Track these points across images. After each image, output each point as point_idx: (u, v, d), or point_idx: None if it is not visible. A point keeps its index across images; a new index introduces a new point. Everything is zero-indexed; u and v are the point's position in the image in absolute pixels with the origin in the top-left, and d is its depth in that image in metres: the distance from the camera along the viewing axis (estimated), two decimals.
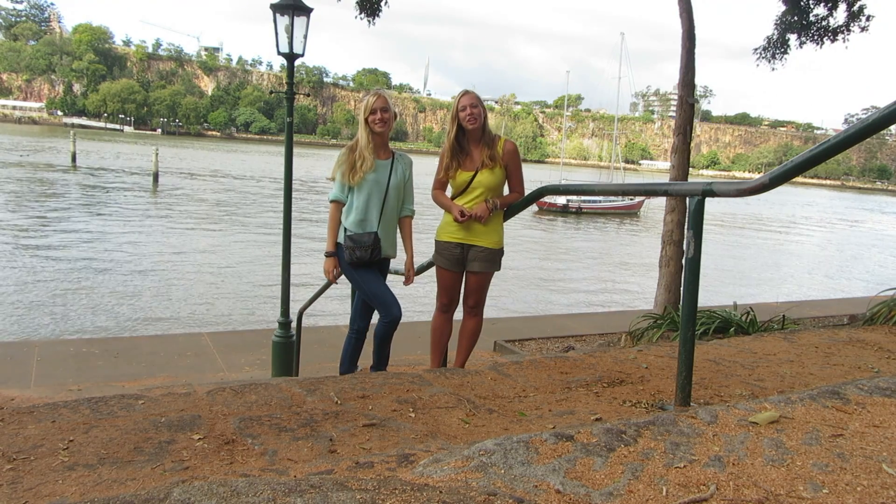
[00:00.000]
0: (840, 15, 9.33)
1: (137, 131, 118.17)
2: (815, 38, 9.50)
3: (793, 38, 9.69)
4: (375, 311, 4.04)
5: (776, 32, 9.73)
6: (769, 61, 9.91)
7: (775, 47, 9.78)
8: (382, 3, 9.64)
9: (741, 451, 1.73)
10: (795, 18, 9.45)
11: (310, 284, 12.27)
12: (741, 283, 19.52)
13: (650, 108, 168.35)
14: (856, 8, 9.22)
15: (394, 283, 4.17)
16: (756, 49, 9.96)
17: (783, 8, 9.57)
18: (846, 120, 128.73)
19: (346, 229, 3.90)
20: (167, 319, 11.76)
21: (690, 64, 7.67)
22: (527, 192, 4.16)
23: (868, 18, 9.23)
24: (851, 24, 9.29)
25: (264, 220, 26.05)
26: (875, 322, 5.07)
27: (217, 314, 12.40)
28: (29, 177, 35.86)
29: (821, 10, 9.43)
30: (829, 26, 9.38)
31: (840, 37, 9.38)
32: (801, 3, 9.43)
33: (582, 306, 15.22)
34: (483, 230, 3.88)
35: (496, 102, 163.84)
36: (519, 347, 7.60)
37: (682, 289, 2.73)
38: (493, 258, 3.94)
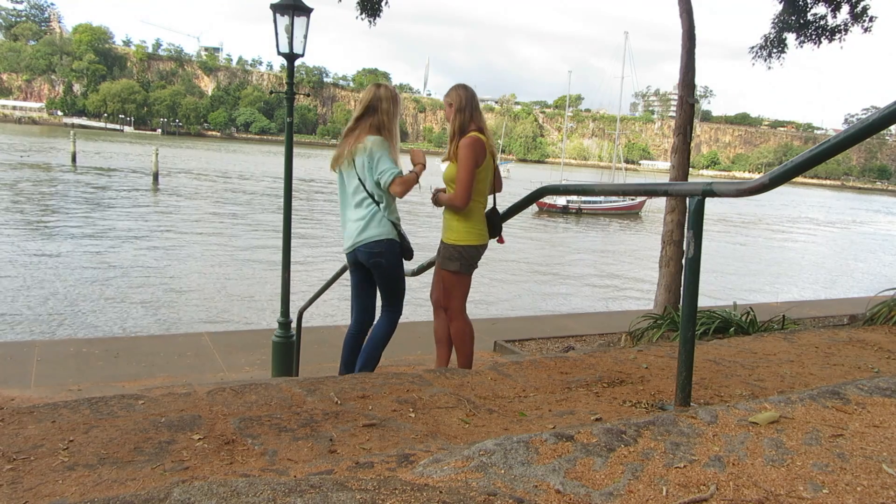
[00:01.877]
0: (843, 15, 9.32)
1: (137, 131, 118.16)
2: (813, 37, 9.50)
3: (791, 38, 9.69)
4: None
5: (773, 31, 9.73)
6: (765, 60, 9.90)
7: (772, 46, 9.77)
8: (383, 3, 9.64)
9: (741, 451, 1.73)
10: (793, 18, 9.44)
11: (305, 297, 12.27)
12: (741, 284, 19.52)
13: (650, 108, 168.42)
14: (859, 9, 9.21)
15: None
16: (752, 48, 9.95)
17: (780, 7, 9.57)
18: (846, 120, 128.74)
19: (395, 225, 3.78)
20: (167, 319, 11.76)
21: (690, 64, 7.67)
22: (527, 192, 4.16)
23: (871, 19, 9.22)
24: (854, 25, 9.28)
25: (264, 221, 26.06)
26: (875, 322, 5.07)
27: (217, 314, 12.40)
28: (29, 177, 35.86)
29: (820, 10, 9.43)
30: (827, 26, 9.38)
31: (837, 36, 9.38)
32: (799, 3, 9.43)
33: (582, 306, 15.23)
34: (443, 224, 3.84)
35: (496, 102, 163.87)
36: (519, 347, 7.60)
37: (682, 289, 2.73)
38: (445, 253, 3.79)
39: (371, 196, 3.69)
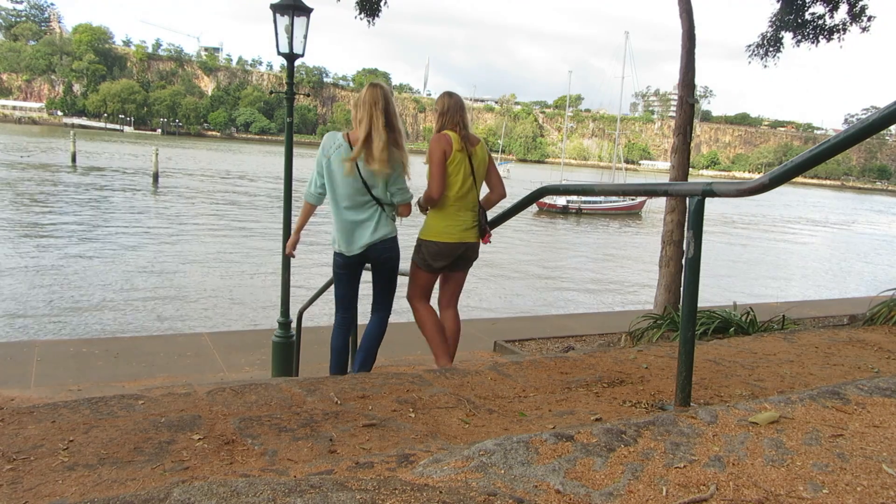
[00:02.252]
0: (840, 14, 9.32)
1: (137, 131, 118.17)
2: (811, 37, 9.51)
3: (788, 37, 9.70)
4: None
5: (770, 30, 9.74)
6: (762, 58, 9.91)
7: (769, 45, 9.78)
8: (382, 3, 9.64)
9: (741, 452, 1.73)
10: (791, 17, 9.45)
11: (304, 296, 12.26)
12: (741, 284, 19.52)
13: (650, 108, 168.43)
14: (857, 8, 9.21)
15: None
16: (749, 46, 9.96)
17: (778, 6, 9.59)
18: (846, 120, 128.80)
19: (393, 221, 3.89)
20: (167, 319, 11.76)
21: (690, 64, 7.67)
22: (527, 193, 4.16)
23: (870, 19, 9.22)
24: (852, 24, 9.28)
25: (265, 221, 26.05)
26: (875, 322, 5.07)
27: (217, 314, 12.40)
28: (29, 177, 35.86)
29: (818, 9, 9.43)
30: (825, 25, 9.38)
31: (835, 36, 9.38)
32: (798, 2, 9.43)
33: (582, 306, 15.23)
34: None
35: (496, 102, 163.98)
36: (519, 347, 7.60)
37: (682, 289, 2.73)
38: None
39: (377, 200, 3.71)
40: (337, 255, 3.82)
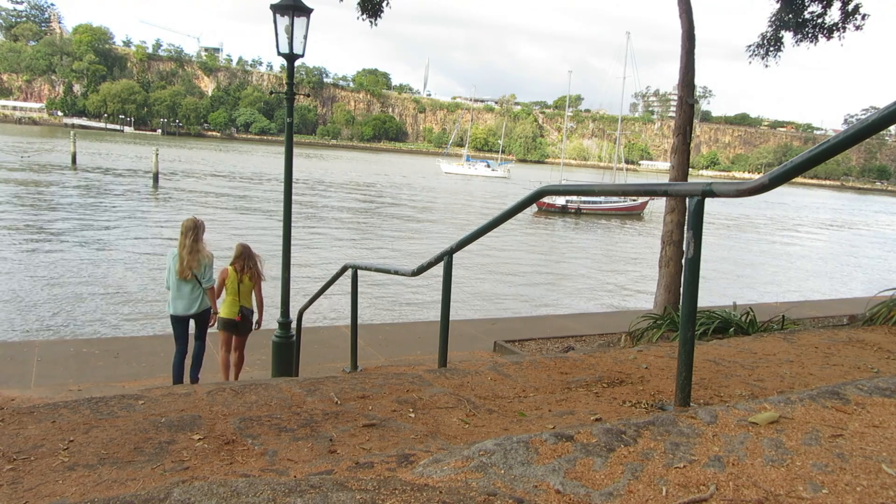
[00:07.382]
0: (834, 12, 9.34)
1: (137, 132, 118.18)
2: (810, 35, 9.51)
3: (788, 36, 9.70)
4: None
5: (770, 30, 9.74)
6: (762, 58, 9.91)
7: (769, 44, 9.78)
8: (384, 4, 9.64)
9: (741, 452, 1.73)
10: (790, 16, 9.46)
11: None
12: (741, 284, 19.53)
13: (650, 109, 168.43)
14: (850, 7, 9.21)
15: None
16: (749, 46, 9.95)
17: (778, 5, 9.60)
18: (846, 120, 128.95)
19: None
20: (167, 319, 11.75)
21: (690, 64, 7.68)
22: (527, 193, 4.17)
23: (863, 17, 9.22)
24: (846, 23, 9.29)
25: (265, 222, 26.06)
26: (875, 322, 5.07)
27: None
28: (29, 178, 35.86)
29: (816, 8, 9.43)
30: (825, 24, 9.38)
31: (836, 34, 9.38)
32: (797, 1, 9.44)
33: (582, 306, 15.23)
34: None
35: (496, 102, 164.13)
36: (519, 347, 7.61)
37: (681, 289, 2.73)
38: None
39: (199, 285, 6.07)
40: (171, 315, 6.13)
